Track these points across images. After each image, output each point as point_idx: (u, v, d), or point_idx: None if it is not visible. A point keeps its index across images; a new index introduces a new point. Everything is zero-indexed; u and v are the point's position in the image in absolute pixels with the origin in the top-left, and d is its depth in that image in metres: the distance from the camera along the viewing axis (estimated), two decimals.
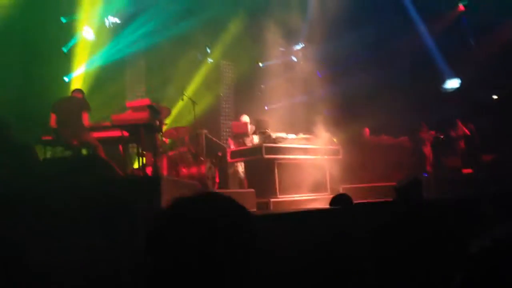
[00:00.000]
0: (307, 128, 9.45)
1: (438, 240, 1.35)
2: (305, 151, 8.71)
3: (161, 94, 10.76)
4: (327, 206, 4.89)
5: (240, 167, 9.33)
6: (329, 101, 11.56)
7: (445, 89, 13.50)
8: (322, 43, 11.59)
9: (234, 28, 12.07)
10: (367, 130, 11.77)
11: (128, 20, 11.13)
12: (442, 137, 11.66)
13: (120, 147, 7.63)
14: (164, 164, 8.18)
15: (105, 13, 10.92)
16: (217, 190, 8.26)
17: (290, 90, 10.52)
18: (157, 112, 6.63)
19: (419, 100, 12.10)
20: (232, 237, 1.05)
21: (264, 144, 8.16)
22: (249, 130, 9.29)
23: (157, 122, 6.71)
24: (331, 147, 9.21)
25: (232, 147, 9.41)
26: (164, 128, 8.21)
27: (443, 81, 13.47)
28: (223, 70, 13.17)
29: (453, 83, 13.43)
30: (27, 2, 8.92)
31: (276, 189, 7.96)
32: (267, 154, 8.03)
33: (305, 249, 2.25)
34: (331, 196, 4.86)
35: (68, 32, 10.45)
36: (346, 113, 11.70)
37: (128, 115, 6.37)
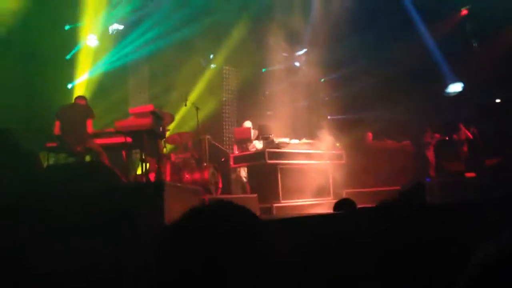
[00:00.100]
0: (310, 132, 9.45)
1: (441, 245, 1.34)
2: (308, 156, 8.69)
3: (164, 100, 10.79)
4: (330, 211, 4.86)
5: (243, 172, 9.33)
6: (332, 105, 11.57)
7: (448, 93, 13.48)
8: (325, 47, 11.59)
9: (237, 33, 12.08)
10: (370, 135, 11.76)
11: (131, 26, 11.18)
12: (446, 138, 11.64)
13: (123, 153, 7.65)
14: (167, 170, 8.19)
15: (108, 20, 10.98)
16: (220, 196, 8.26)
17: (293, 95, 10.52)
18: (160, 118, 6.65)
19: (422, 104, 12.08)
20: (246, 248, 1.05)
21: (267, 149, 8.15)
22: (252, 135, 9.30)
23: (160, 128, 6.72)
24: (334, 151, 9.20)
25: (237, 153, 9.42)
26: (167, 134, 8.22)
27: (446, 86, 13.45)
28: (226, 76, 13.16)
29: (456, 87, 13.41)
30: (30, 10, 8.96)
31: (279, 194, 7.95)
32: (270, 159, 8.03)
33: (308, 254, 2.25)
34: (335, 200, 4.84)
35: (71, 40, 10.49)
36: (349, 117, 11.69)
37: (131, 121, 6.37)
